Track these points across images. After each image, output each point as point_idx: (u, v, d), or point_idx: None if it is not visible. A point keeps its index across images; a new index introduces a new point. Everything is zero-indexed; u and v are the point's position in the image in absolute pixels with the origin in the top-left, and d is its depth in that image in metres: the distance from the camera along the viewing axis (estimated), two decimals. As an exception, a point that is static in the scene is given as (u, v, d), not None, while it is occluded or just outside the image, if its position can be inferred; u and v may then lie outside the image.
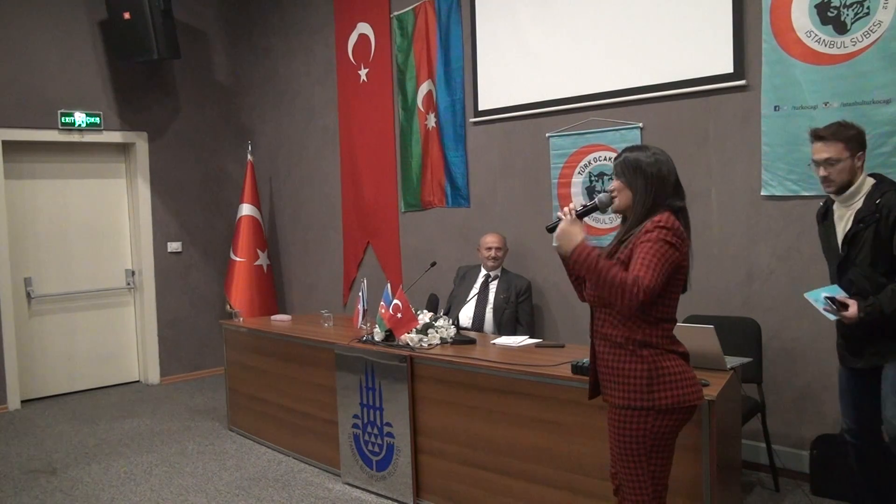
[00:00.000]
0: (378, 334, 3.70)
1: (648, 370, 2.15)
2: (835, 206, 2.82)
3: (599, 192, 4.28)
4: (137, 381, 6.40)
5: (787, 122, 3.56)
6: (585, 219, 2.62)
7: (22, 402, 5.65)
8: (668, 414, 2.16)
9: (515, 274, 4.50)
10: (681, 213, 2.24)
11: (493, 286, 4.44)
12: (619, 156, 2.33)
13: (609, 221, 4.24)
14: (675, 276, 2.18)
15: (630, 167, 2.26)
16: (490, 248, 4.45)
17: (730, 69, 3.74)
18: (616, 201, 2.31)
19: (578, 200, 4.39)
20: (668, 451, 2.22)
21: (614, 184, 2.32)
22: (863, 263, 2.69)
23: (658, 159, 2.25)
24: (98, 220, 6.17)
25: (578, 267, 2.17)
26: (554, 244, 2.28)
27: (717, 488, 2.61)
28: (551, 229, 2.37)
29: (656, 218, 2.17)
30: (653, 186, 2.22)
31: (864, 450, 2.88)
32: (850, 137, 2.69)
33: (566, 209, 2.33)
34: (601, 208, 2.39)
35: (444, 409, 3.39)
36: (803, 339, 3.61)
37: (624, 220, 2.34)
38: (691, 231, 2.28)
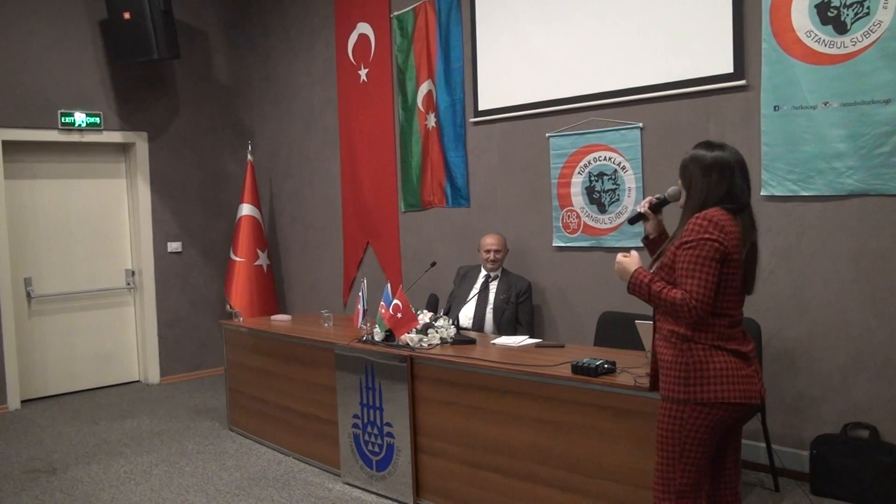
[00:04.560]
0: (378, 334, 3.70)
1: (687, 363, 2.18)
2: None
3: (599, 192, 4.30)
4: (137, 381, 6.40)
5: (787, 122, 3.56)
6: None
7: (22, 402, 5.65)
8: (707, 408, 2.16)
9: (516, 274, 4.50)
10: (740, 215, 2.22)
11: (493, 286, 4.44)
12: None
13: (609, 222, 4.24)
14: (725, 271, 2.17)
15: (686, 164, 2.30)
16: (489, 251, 4.45)
17: (730, 69, 3.74)
18: (682, 196, 2.35)
19: (578, 201, 4.39)
20: (705, 450, 2.21)
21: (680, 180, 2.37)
22: None
23: (717, 160, 2.25)
24: (98, 220, 6.17)
25: (635, 295, 2.29)
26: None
27: (717, 488, 2.61)
28: (632, 221, 2.57)
29: (700, 214, 2.19)
30: (705, 186, 2.24)
31: None
32: None
33: (645, 202, 2.49)
34: (671, 201, 2.45)
35: (444, 409, 3.39)
36: (803, 339, 3.61)
37: None
38: (756, 230, 2.28)
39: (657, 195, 2.52)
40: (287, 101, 6.42)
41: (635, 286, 2.28)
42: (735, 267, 2.19)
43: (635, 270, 2.29)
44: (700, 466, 2.22)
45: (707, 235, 2.14)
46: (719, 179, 2.23)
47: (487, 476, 3.23)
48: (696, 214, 2.20)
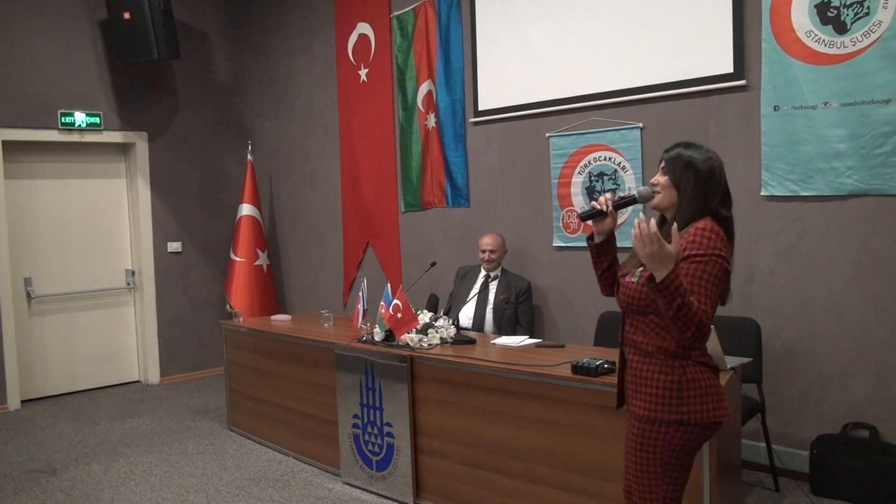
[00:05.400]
0: (378, 334, 3.70)
1: (678, 382, 2.04)
2: None
3: (599, 193, 4.29)
4: (137, 381, 6.40)
5: (787, 122, 3.56)
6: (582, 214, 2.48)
7: (22, 402, 5.65)
8: (693, 428, 2.06)
9: (515, 274, 4.50)
10: (726, 223, 2.11)
11: (492, 286, 4.44)
12: (671, 149, 2.19)
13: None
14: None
15: (682, 165, 2.12)
16: (484, 251, 4.45)
17: (730, 69, 3.74)
18: (658, 197, 2.17)
19: (578, 200, 4.39)
20: (686, 466, 2.13)
21: (660, 179, 2.17)
22: None
23: (712, 165, 2.12)
24: (98, 220, 6.17)
25: (661, 295, 1.91)
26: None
27: (717, 488, 2.61)
28: (585, 217, 2.28)
29: (700, 224, 2.05)
30: (702, 191, 2.10)
31: None
32: None
33: (602, 199, 2.25)
34: (640, 201, 2.24)
35: (444, 409, 3.39)
36: (803, 339, 3.61)
37: (661, 220, 2.22)
38: (734, 241, 2.16)
39: (621, 194, 2.35)
40: (287, 101, 6.42)
41: (672, 287, 1.88)
42: (727, 281, 2.09)
43: (676, 267, 1.89)
44: (680, 485, 2.14)
45: (717, 252, 2.00)
46: (715, 186, 2.12)
47: (487, 476, 3.23)
48: (696, 225, 2.06)
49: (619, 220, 4.14)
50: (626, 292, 2.16)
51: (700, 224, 2.06)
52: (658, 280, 1.90)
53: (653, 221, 1.94)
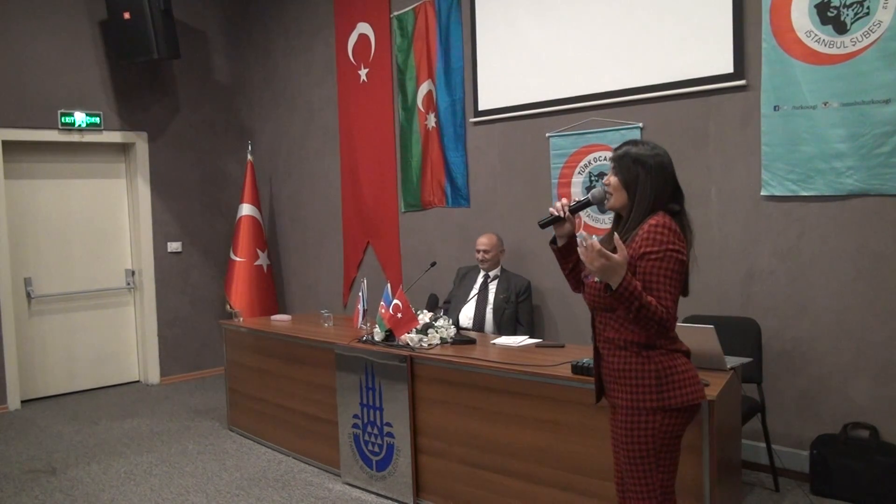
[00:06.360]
0: (378, 334, 3.70)
1: (657, 370, 2.11)
2: None
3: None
4: (137, 381, 6.40)
5: (787, 122, 3.56)
6: (581, 219, 2.53)
7: (22, 402, 5.65)
8: (677, 413, 2.12)
9: (515, 274, 4.50)
10: (678, 217, 2.15)
11: (492, 286, 4.44)
12: (618, 149, 2.23)
13: (609, 222, 4.24)
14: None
15: (629, 163, 2.17)
16: (479, 251, 4.45)
17: (730, 69, 3.74)
18: (611, 199, 2.23)
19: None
20: (676, 453, 2.17)
21: (611, 180, 2.22)
22: None
23: (659, 160, 2.16)
24: (98, 220, 6.17)
25: (621, 302, 2.03)
26: (589, 274, 2.17)
27: (717, 488, 2.61)
28: (544, 225, 2.37)
29: (652, 221, 2.10)
30: (653, 186, 2.14)
31: None
32: None
33: (558, 205, 2.31)
34: (595, 203, 2.31)
35: (444, 409, 3.39)
36: (803, 339, 3.61)
37: (618, 218, 2.26)
38: (693, 234, 2.21)
39: (576, 198, 2.40)
40: (287, 101, 6.42)
41: (627, 293, 2.00)
42: (686, 272, 2.15)
43: (627, 274, 2.02)
44: (673, 473, 2.18)
45: (672, 246, 2.06)
46: (665, 180, 2.16)
47: (487, 476, 3.23)
48: (649, 222, 2.10)
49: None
50: (591, 292, 2.23)
51: (653, 220, 2.11)
52: (613, 288, 2.02)
53: (595, 238, 2.06)
